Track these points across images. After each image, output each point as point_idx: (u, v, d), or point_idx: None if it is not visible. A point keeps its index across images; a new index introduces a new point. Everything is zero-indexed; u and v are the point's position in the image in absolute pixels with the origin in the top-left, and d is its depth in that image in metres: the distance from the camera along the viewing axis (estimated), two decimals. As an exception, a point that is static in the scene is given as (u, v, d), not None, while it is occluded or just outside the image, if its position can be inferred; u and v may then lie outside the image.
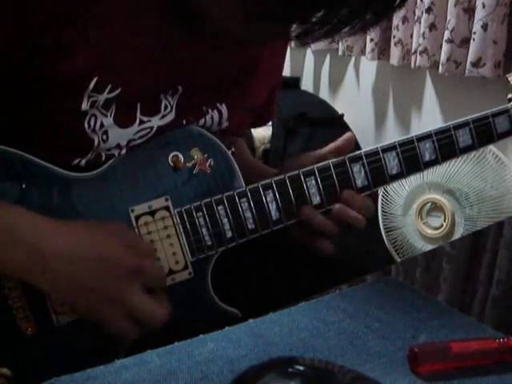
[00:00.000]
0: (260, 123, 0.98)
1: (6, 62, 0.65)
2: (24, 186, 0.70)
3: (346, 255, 1.01)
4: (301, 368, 0.53)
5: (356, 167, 0.78)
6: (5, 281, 0.69)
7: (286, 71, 2.56)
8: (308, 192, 0.77)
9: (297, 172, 0.76)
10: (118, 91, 0.69)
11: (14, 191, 0.69)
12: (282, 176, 0.76)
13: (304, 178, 0.77)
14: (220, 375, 0.54)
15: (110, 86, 0.69)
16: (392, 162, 0.79)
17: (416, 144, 0.79)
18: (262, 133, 2.24)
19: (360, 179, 0.78)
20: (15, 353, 0.70)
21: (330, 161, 0.77)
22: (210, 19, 0.66)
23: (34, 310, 0.69)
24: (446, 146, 0.80)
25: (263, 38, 0.70)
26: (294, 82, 2.56)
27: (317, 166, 0.77)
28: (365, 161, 0.78)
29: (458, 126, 0.80)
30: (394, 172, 0.79)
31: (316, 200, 0.77)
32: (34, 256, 0.65)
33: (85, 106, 0.69)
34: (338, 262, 0.95)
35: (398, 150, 0.79)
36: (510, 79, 0.85)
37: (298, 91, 2.54)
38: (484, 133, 0.81)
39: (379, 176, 0.79)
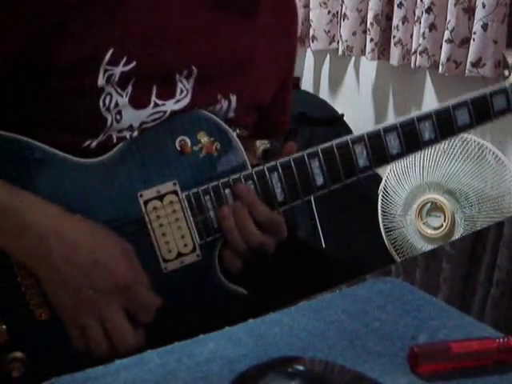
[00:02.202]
0: (274, 133, 1.01)
1: (30, 38, 0.67)
2: (32, 172, 0.71)
3: (346, 255, 1.01)
4: (301, 368, 0.53)
5: (358, 148, 0.79)
6: (18, 268, 0.70)
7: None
8: (312, 173, 0.78)
9: (301, 154, 0.78)
10: (133, 64, 0.71)
11: (23, 178, 0.70)
12: (287, 158, 0.77)
13: (308, 160, 0.78)
14: (220, 375, 0.54)
15: (125, 59, 0.70)
16: (393, 142, 0.80)
17: (416, 124, 0.81)
18: (262, 133, 2.24)
19: (362, 159, 0.79)
20: (29, 337, 0.71)
21: (334, 142, 0.79)
22: None
23: (47, 297, 0.70)
24: (445, 125, 0.82)
25: None
26: (294, 81, 2.56)
27: (320, 147, 0.78)
28: (367, 142, 0.79)
29: (456, 106, 0.82)
30: (395, 152, 0.81)
31: (320, 181, 0.79)
32: (38, 242, 0.66)
33: (101, 80, 0.70)
34: (338, 261, 0.95)
35: (399, 130, 0.80)
36: (506, 56, 0.88)
37: (298, 91, 2.54)
38: (482, 112, 0.83)
39: (380, 156, 0.80)
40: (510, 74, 0.86)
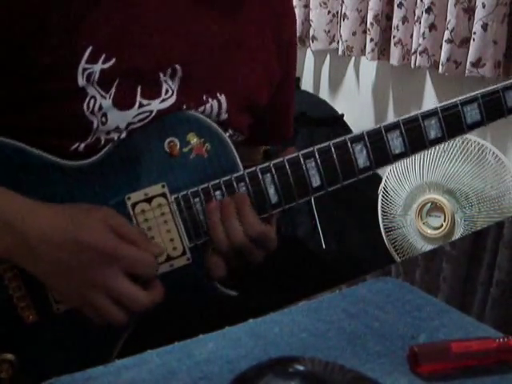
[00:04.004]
0: (276, 139, 0.96)
1: (10, 43, 0.67)
2: (19, 175, 0.70)
3: (346, 255, 1.01)
4: (301, 368, 0.53)
5: (357, 147, 0.76)
6: (4, 271, 0.70)
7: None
8: (308, 174, 0.75)
9: (296, 154, 0.75)
10: (112, 61, 0.70)
11: (11, 181, 0.69)
12: (281, 159, 0.75)
13: (303, 161, 0.75)
14: (220, 375, 0.54)
15: (104, 56, 0.69)
16: (395, 141, 0.76)
17: (421, 121, 0.76)
18: (262, 133, 2.24)
19: (362, 159, 0.76)
20: (18, 339, 0.71)
21: (331, 142, 0.75)
22: None
23: (34, 299, 0.70)
24: (452, 122, 0.77)
25: None
26: (294, 82, 2.56)
27: (317, 147, 0.75)
28: (367, 140, 0.76)
29: (466, 102, 0.77)
30: (398, 151, 0.76)
31: (316, 182, 0.76)
32: (18, 239, 0.66)
33: (81, 80, 0.69)
34: (338, 262, 0.95)
35: (402, 128, 0.76)
36: None
37: (298, 91, 2.53)
38: (493, 108, 0.78)
39: (382, 156, 0.76)
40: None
